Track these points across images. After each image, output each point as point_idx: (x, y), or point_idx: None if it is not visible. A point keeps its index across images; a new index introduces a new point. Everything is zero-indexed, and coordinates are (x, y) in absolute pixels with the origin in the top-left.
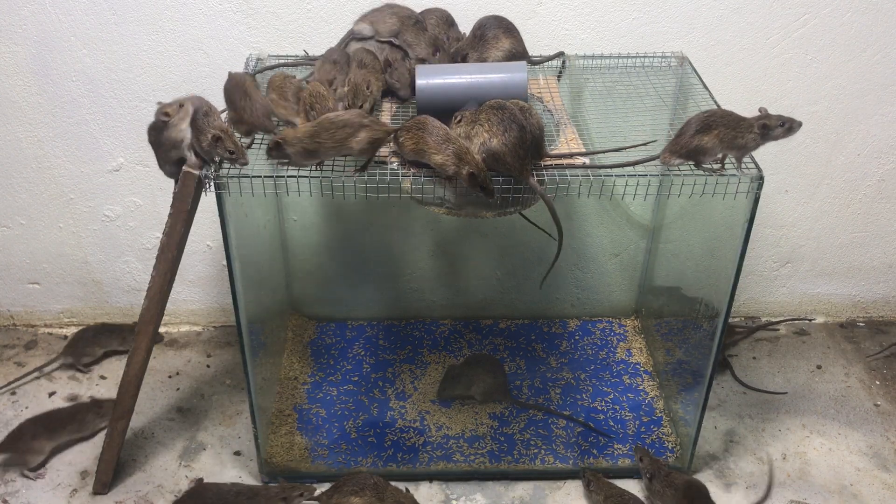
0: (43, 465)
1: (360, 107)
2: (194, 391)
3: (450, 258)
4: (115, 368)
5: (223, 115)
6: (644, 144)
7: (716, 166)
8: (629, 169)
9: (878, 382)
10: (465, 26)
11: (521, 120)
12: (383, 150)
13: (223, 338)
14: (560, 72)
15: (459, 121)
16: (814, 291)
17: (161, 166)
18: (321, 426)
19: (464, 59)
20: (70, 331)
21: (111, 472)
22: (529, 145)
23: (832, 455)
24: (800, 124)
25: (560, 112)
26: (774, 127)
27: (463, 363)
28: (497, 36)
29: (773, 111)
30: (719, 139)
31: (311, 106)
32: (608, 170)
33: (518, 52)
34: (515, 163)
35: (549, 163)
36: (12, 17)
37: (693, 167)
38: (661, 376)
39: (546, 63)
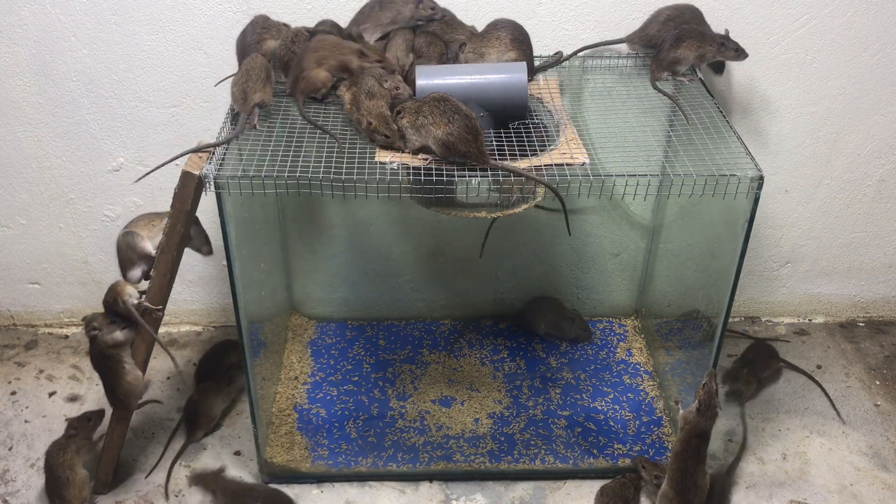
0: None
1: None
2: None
3: (450, 258)
4: None
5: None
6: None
7: None
8: (629, 169)
9: (878, 382)
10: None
11: (464, 109)
12: (383, 152)
13: (223, 338)
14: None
15: (400, 112)
16: (814, 291)
17: None
18: (321, 426)
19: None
20: (70, 331)
21: (111, 472)
22: (480, 131)
23: (832, 455)
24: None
25: (560, 112)
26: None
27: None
28: (501, 38)
29: (772, 111)
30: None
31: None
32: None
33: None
34: (470, 148)
35: (549, 163)
36: (12, 17)
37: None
38: (661, 376)
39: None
